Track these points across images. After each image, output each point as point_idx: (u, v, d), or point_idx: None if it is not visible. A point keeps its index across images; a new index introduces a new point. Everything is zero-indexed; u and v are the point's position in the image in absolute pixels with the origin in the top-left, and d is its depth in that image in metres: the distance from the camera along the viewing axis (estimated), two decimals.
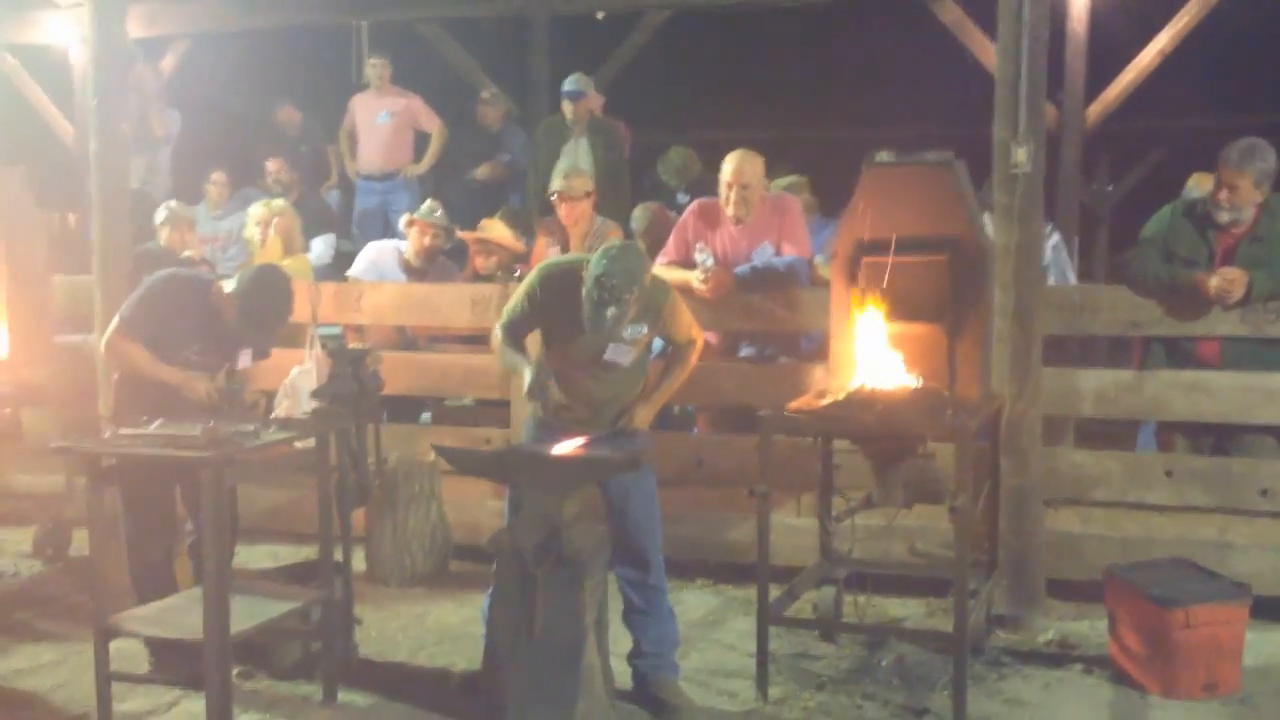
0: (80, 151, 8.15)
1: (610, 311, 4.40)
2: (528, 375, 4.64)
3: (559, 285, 4.65)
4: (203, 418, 4.62)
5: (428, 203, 7.68)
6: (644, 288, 4.50)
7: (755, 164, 6.26)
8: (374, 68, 9.62)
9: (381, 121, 9.73)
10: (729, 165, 6.24)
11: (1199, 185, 6.76)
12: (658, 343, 5.27)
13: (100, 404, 6.65)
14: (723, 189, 6.26)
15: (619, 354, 4.67)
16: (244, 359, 5.23)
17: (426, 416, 7.85)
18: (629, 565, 4.75)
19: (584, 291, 4.44)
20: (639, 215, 7.55)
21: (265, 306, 4.92)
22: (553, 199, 7.43)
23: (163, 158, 9.93)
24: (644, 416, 4.83)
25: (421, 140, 9.87)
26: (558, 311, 4.65)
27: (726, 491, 6.14)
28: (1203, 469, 5.85)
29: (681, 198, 8.36)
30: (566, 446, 4.54)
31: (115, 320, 5.09)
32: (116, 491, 5.01)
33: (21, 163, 7.63)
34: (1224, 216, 5.67)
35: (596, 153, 8.58)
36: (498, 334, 4.90)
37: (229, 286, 5.09)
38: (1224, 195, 5.64)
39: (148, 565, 5.10)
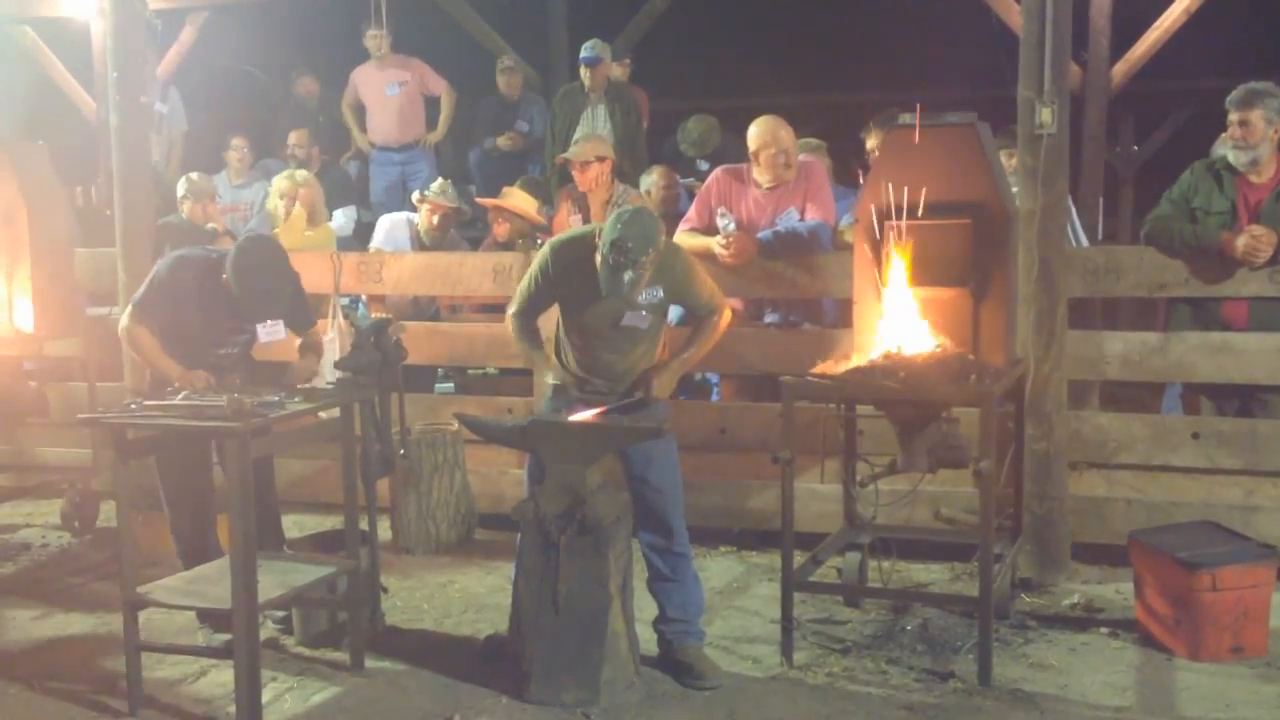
0: (101, 125, 8.15)
1: (627, 275, 4.39)
2: (550, 378, 4.80)
3: (572, 257, 4.65)
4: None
5: (438, 181, 7.67)
6: (659, 249, 4.49)
7: (789, 130, 6.23)
8: (373, 39, 9.48)
9: (391, 94, 9.59)
10: (763, 132, 6.17)
11: (1226, 144, 6.69)
12: (678, 311, 5.25)
13: (126, 376, 6.69)
14: (763, 155, 6.18)
15: (635, 319, 4.65)
16: (274, 332, 5.19)
17: (447, 386, 7.86)
18: (653, 532, 4.76)
19: (599, 257, 4.43)
20: (645, 181, 7.52)
21: (255, 273, 4.85)
22: (566, 166, 7.39)
23: (175, 140, 9.80)
24: (662, 386, 4.79)
25: (432, 106, 9.79)
26: (573, 283, 4.65)
27: (750, 458, 6.14)
28: (1229, 431, 5.81)
29: (703, 165, 8.31)
30: (586, 415, 4.55)
31: (129, 306, 5.09)
32: (153, 461, 5.04)
33: (43, 138, 7.66)
34: (1242, 157, 5.61)
35: (614, 119, 8.53)
36: (511, 323, 4.90)
37: None
38: (1238, 133, 5.60)
39: (187, 533, 5.15)
